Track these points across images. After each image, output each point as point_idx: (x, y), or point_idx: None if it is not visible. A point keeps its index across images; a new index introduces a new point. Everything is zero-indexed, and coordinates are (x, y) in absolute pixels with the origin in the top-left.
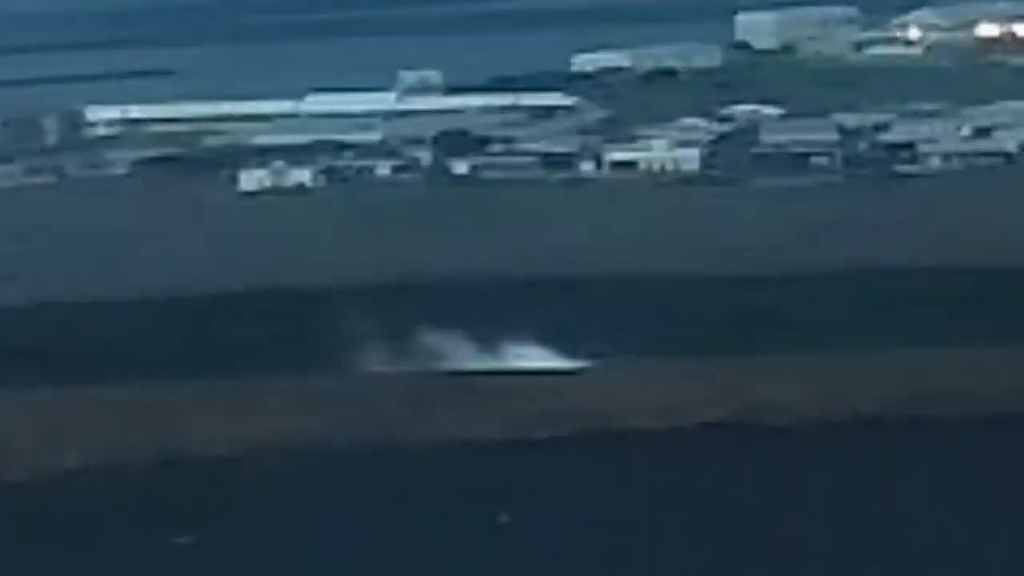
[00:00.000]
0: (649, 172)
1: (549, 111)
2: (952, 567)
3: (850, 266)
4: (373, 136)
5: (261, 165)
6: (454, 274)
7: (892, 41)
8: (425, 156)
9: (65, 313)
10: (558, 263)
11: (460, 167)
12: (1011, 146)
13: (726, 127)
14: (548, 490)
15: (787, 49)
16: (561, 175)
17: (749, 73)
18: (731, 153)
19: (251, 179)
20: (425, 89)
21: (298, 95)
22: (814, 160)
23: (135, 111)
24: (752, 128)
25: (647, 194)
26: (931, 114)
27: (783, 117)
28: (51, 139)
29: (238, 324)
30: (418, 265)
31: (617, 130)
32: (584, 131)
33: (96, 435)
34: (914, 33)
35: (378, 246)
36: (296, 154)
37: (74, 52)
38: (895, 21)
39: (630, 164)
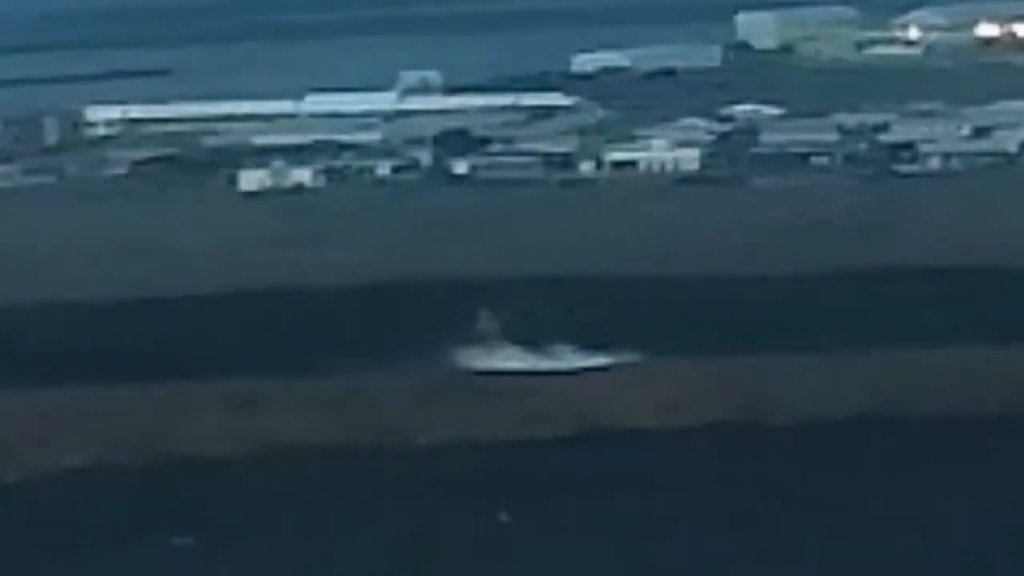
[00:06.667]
0: (649, 172)
1: (549, 111)
2: (952, 566)
3: (850, 266)
4: (373, 136)
5: (261, 165)
6: (454, 274)
7: (892, 41)
8: (425, 156)
9: (65, 313)
10: (558, 263)
11: (460, 167)
12: (1011, 146)
13: (726, 127)
14: (549, 490)
15: (787, 49)
16: (561, 175)
17: (749, 73)
18: (731, 153)
19: (251, 179)
20: (425, 89)
21: (298, 95)
22: (814, 160)
23: (135, 111)
24: (752, 128)
25: (647, 194)
26: (931, 114)
27: (783, 117)
28: (51, 139)
29: (238, 324)
30: (418, 265)
31: (617, 130)
32: (584, 131)
33: (96, 435)
34: (914, 33)
35: (378, 246)
36: (296, 154)
37: (74, 52)
38: (895, 21)
39: (630, 164)
